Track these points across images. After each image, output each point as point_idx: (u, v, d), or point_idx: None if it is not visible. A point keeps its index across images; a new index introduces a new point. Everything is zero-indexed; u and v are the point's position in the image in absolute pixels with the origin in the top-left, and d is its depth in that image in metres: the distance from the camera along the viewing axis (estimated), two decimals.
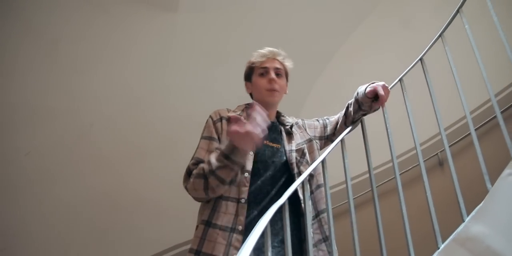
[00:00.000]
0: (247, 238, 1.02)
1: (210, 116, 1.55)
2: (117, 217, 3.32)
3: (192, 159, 1.45)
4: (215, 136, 1.48)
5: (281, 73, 1.61)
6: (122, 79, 3.38)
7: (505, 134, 1.63)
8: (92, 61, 3.24)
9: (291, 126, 1.60)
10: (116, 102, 3.40)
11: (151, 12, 3.26)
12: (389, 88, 1.60)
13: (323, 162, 1.47)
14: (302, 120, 1.71)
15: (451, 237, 1.45)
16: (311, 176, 1.50)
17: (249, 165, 1.42)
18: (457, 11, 2.01)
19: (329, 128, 1.69)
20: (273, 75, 1.57)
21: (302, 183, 1.36)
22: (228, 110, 1.59)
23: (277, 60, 1.62)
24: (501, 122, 1.67)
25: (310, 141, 1.61)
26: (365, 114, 1.63)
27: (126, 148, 3.45)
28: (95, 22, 3.15)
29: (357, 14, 3.76)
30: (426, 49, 1.98)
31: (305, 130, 1.65)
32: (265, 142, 1.49)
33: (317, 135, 1.66)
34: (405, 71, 1.93)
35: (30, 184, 3.19)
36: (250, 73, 1.64)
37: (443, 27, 2.02)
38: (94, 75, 3.28)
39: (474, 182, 1.84)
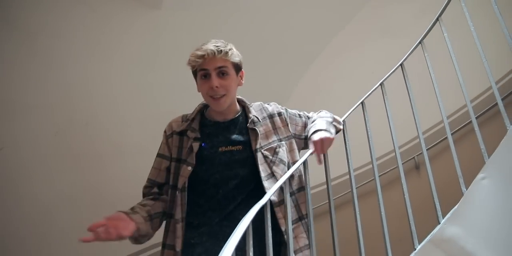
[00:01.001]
0: (229, 238, 1.01)
1: (165, 131, 1.49)
2: (95, 216, 3.24)
3: (147, 179, 1.47)
4: (167, 154, 1.45)
5: (226, 70, 1.39)
6: (103, 76, 3.32)
7: (480, 139, 1.69)
8: (72, 56, 3.17)
9: (254, 120, 1.45)
10: (97, 99, 3.34)
11: (134, 8, 3.21)
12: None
13: (304, 163, 1.46)
14: (286, 110, 1.56)
15: (427, 238, 1.49)
16: (291, 176, 1.41)
17: (181, 182, 1.37)
18: (437, 19, 2.06)
19: (307, 129, 1.54)
20: (214, 81, 1.37)
21: (284, 184, 1.36)
22: (183, 118, 1.49)
23: (218, 58, 1.38)
24: (476, 127, 1.72)
25: (289, 138, 1.49)
26: None
27: (106, 145, 3.39)
28: (77, 17, 3.08)
29: (339, 19, 3.81)
30: (407, 55, 2.03)
31: (287, 125, 1.50)
32: (220, 149, 1.40)
33: (297, 133, 1.53)
34: (386, 76, 1.98)
35: (4, 181, 3.09)
36: (194, 74, 1.45)
37: (423, 34, 2.07)
38: (74, 70, 3.21)
39: (449, 185, 1.90)
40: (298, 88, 3.93)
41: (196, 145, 1.40)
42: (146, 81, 3.45)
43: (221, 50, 1.37)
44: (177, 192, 1.38)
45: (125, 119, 3.45)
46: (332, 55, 3.87)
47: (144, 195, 1.47)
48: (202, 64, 1.38)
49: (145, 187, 1.48)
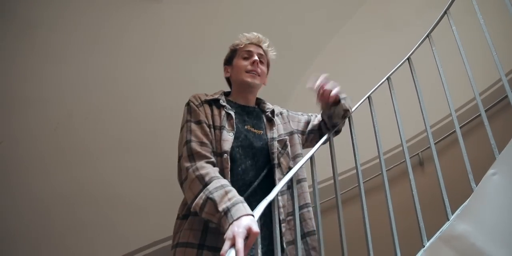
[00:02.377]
0: None
1: (191, 101, 1.44)
2: (95, 212, 3.23)
3: (191, 141, 1.30)
4: (204, 119, 1.38)
5: (264, 61, 1.57)
6: (102, 70, 3.28)
7: (489, 134, 1.65)
8: (71, 50, 3.13)
9: (272, 112, 1.54)
10: (96, 93, 3.30)
11: (134, 2, 3.18)
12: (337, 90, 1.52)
13: (311, 158, 1.45)
14: (287, 111, 1.66)
15: (436, 235, 1.45)
16: (290, 169, 1.41)
17: (227, 146, 1.31)
18: (445, 12, 2.02)
19: (311, 124, 1.62)
20: (256, 58, 1.52)
21: (291, 179, 1.34)
22: (206, 95, 1.49)
23: (262, 47, 1.58)
24: (486, 122, 1.68)
25: (291, 134, 1.53)
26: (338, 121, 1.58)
27: (105, 140, 3.36)
28: (77, 10, 3.04)
29: (342, 12, 3.78)
30: (414, 48, 1.99)
31: (289, 122, 1.58)
32: (246, 126, 1.43)
33: (300, 129, 1.59)
34: (393, 70, 1.94)
35: (3, 176, 3.06)
36: (231, 56, 1.58)
37: (431, 27, 2.03)
38: (73, 64, 3.17)
39: (454, 181, 1.87)
40: (302, 84, 3.89)
41: (232, 113, 1.43)
42: (146, 75, 3.41)
43: (266, 41, 1.59)
44: (217, 157, 1.31)
45: (126, 113, 3.41)
46: (336, 50, 3.84)
47: (201, 153, 1.28)
48: (248, 46, 1.55)
49: (200, 144, 1.30)
